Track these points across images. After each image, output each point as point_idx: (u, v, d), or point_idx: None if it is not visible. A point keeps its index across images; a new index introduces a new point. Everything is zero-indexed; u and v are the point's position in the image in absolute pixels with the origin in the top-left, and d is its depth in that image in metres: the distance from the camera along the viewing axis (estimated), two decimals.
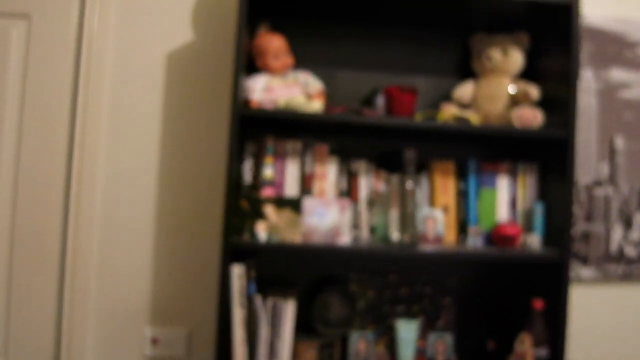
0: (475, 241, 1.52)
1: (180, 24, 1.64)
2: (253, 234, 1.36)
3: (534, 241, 1.48)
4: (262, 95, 1.44)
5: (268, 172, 1.42)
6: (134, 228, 1.61)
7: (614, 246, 1.82)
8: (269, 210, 1.37)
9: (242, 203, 1.36)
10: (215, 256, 1.63)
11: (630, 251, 1.83)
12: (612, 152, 1.84)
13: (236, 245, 1.31)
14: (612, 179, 1.84)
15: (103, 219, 1.60)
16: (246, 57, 1.48)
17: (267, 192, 1.41)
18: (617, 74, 1.86)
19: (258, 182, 1.43)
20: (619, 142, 1.85)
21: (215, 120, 1.63)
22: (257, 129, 1.55)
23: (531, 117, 1.48)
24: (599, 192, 1.83)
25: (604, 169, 1.83)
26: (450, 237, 1.54)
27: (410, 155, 1.51)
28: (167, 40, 1.63)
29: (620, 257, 1.83)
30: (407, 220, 1.44)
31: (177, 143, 1.62)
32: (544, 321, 1.42)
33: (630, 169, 1.85)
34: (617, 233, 1.83)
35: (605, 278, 1.81)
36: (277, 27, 1.55)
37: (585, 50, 1.83)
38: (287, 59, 1.50)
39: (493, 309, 1.69)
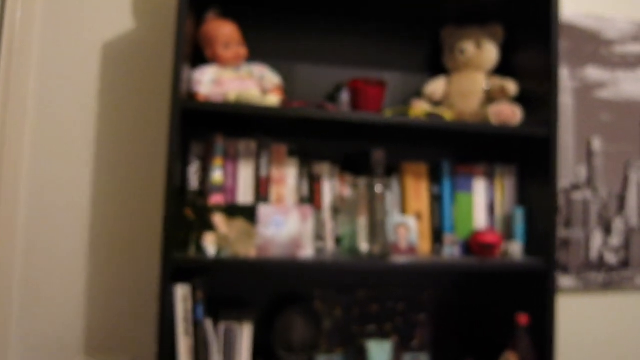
0: (451, 250, 1.37)
1: (118, 10, 1.44)
2: (200, 248, 1.17)
3: (516, 249, 1.35)
4: (210, 89, 1.26)
5: (217, 175, 1.23)
6: (62, 244, 1.38)
7: (594, 253, 1.71)
8: (218, 219, 1.19)
9: (186, 212, 1.17)
10: (157, 275, 1.42)
11: (610, 258, 1.73)
12: (589, 155, 1.74)
13: (180, 261, 1.12)
14: (591, 183, 1.73)
15: (26, 234, 1.38)
16: (192, 45, 1.30)
17: (216, 198, 1.22)
18: (593, 73, 1.77)
19: (206, 187, 1.24)
20: (597, 144, 1.75)
21: (157, 117, 1.43)
22: (205, 128, 1.37)
23: (510, 114, 1.35)
24: (578, 196, 1.72)
25: (582, 172, 1.73)
26: (424, 246, 1.39)
27: (378, 156, 1.35)
28: (103, 28, 1.43)
29: (601, 264, 1.72)
30: (376, 229, 1.28)
31: (113, 144, 1.41)
32: (530, 337, 1.27)
33: (607, 171, 1.75)
34: (596, 239, 1.72)
35: (586, 287, 1.70)
36: (228, 14, 1.38)
37: (560, 47, 1.73)
38: (240, 49, 1.33)
39: (472, 325, 1.54)
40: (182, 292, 1.15)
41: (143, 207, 1.41)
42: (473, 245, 1.35)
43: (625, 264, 1.73)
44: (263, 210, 1.21)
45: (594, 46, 1.77)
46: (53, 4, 1.41)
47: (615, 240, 1.74)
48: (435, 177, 1.42)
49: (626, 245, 1.74)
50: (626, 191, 1.76)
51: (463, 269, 1.25)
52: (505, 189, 1.44)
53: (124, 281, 1.40)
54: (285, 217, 1.22)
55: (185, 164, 1.24)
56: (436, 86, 1.49)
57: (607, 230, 1.73)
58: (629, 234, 1.75)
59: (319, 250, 1.32)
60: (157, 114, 1.43)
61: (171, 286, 1.14)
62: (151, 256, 1.41)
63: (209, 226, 1.18)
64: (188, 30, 1.20)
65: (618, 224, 1.75)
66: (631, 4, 1.84)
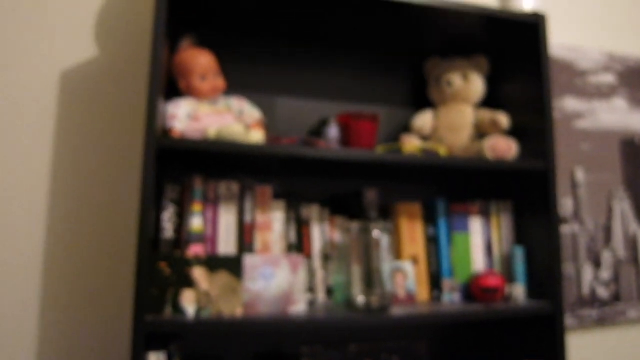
0: (451, 297, 1.27)
1: (79, 35, 1.28)
2: (178, 308, 1.01)
3: (519, 292, 1.26)
4: (186, 124, 1.12)
5: (196, 222, 1.07)
6: (13, 302, 1.18)
7: (586, 289, 1.65)
8: (199, 274, 1.03)
9: (161, 266, 1.01)
10: (126, 339, 1.23)
11: (602, 292, 1.67)
12: (574, 186, 1.70)
13: (153, 325, 0.95)
14: (577, 215, 1.69)
15: None
16: (165, 76, 1.16)
17: (195, 249, 1.07)
18: (571, 103, 1.75)
19: (182, 236, 1.08)
20: (580, 175, 1.72)
21: (125, 156, 1.27)
22: (181, 169, 1.22)
23: (505, 148, 1.28)
24: (566, 230, 1.67)
25: (568, 205, 1.68)
26: (422, 293, 1.27)
27: (371, 196, 1.24)
28: (61, 56, 1.26)
29: (594, 300, 1.66)
30: (372, 277, 1.15)
31: (73, 189, 1.23)
32: None
33: (592, 203, 1.71)
34: (587, 274, 1.67)
35: (581, 324, 1.63)
36: (204, 43, 1.25)
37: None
38: (218, 81, 1.21)
39: None
40: None
41: (113, 263, 1.23)
42: (474, 290, 1.25)
43: (616, 297, 1.68)
44: (250, 262, 1.06)
45: (569, 76, 1.76)
46: (6, 30, 1.24)
47: (605, 273, 1.69)
48: (430, 218, 1.32)
49: (616, 278, 1.70)
50: (611, 222, 1.73)
51: (467, 318, 1.14)
52: (502, 227, 1.36)
53: (93, 353, 1.20)
54: (274, 268, 1.08)
55: (158, 209, 1.08)
56: (424, 120, 1.41)
57: (597, 263, 1.69)
58: (617, 266, 1.70)
59: (310, 303, 1.18)
60: (125, 152, 1.26)
61: (144, 355, 0.96)
62: (122, 320, 1.22)
63: (188, 282, 1.02)
64: (162, 56, 1.06)
65: (606, 257, 1.71)
66: (601, 35, 1.85)
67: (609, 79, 1.82)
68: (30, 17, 1.25)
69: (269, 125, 1.34)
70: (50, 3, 1.27)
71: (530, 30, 1.31)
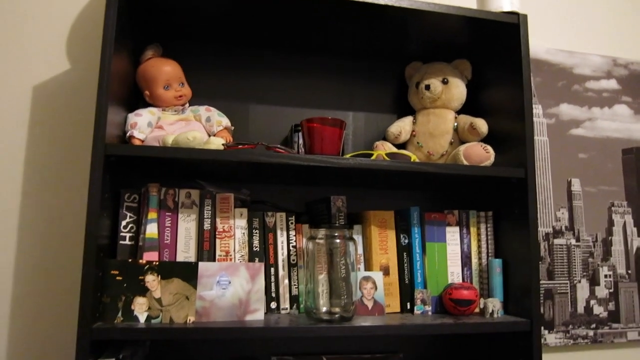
0: (423, 309, 1.22)
1: (50, 50, 1.31)
2: (129, 316, 1.00)
3: (496, 306, 1.20)
4: (148, 133, 1.13)
5: (151, 229, 1.07)
6: None
7: (580, 306, 1.57)
8: (151, 280, 1.02)
9: (113, 273, 1.01)
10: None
11: (599, 311, 1.58)
12: (570, 197, 1.62)
13: (100, 332, 0.94)
14: (573, 227, 1.61)
15: None
16: (129, 87, 1.17)
17: (149, 256, 1.06)
18: (568, 109, 1.68)
19: (139, 244, 1.08)
20: (577, 185, 1.64)
21: (87, 165, 1.28)
22: (141, 177, 1.22)
23: (482, 154, 1.23)
24: (560, 242, 1.59)
25: (563, 216, 1.61)
26: (393, 305, 1.23)
27: (339, 204, 1.21)
28: (33, 70, 1.29)
29: (589, 318, 1.57)
30: (339, 286, 1.12)
31: (38, 196, 1.25)
32: None
33: (590, 216, 1.63)
34: (583, 290, 1.58)
35: (575, 343, 1.54)
36: (171, 53, 1.26)
37: (533, 83, 1.64)
38: (183, 90, 1.21)
39: None
40: None
41: (68, 269, 1.23)
42: (447, 302, 1.20)
43: (615, 317, 1.59)
44: (204, 268, 1.05)
45: (567, 82, 1.69)
46: None
47: (603, 291, 1.60)
48: (403, 226, 1.27)
49: (615, 296, 1.60)
50: (611, 236, 1.64)
51: (436, 331, 1.09)
52: (481, 237, 1.30)
53: (35, 354, 1.20)
54: (231, 275, 1.06)
55: (114, 216, 1.08)
56: (400, 126, 1.38)
57: (594, 279, 1.60)
58: (617, 283, 1.61)
59: (273, 312, 1.15)
60: (87, 162, 1.28)
61: None
62: (73, 328, 1.22)
63: (141, 289, 1.01)
64: (121, 68, 1.07)
65: (605, 273, 1.61)
66: (601, 40, 1.78)
67: (610, 84, 1.74)
68: (3, 34, 1.29)
69: (242, 133, 1.34)
70: (23, 21, 1.30)
71: (510, 30, 1.26)
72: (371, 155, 1.20)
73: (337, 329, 1.05)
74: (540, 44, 1.69)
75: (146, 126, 1.12)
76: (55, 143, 1.27)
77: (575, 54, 1.71)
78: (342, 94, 1.45)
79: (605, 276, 1.61)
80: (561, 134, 1.65)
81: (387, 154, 1.21)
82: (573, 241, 1.60)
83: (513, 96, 1.25)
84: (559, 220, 1.60)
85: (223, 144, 1.06)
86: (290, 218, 1.20)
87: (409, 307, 1.24)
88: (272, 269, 1.17)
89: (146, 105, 1.20)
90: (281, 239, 1.19)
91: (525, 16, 1.24)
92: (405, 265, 1.25)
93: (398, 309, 1.23)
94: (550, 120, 1.65)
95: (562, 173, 1.62)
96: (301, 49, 1.41)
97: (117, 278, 1.01)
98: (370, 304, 1.19)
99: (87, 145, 1.28)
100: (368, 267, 1.24)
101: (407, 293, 1.24)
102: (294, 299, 1.18)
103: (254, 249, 1.16)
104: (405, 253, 1.26)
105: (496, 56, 1.33)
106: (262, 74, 1.40)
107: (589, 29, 1.77)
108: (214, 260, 1.11)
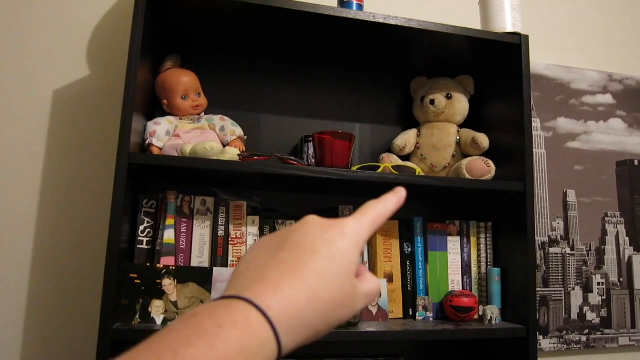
0: (425, 315, 1.27)
1: (70, 57, 1.35)
2: (146, 318, 1.05)
3: (494, 313, 1.25)
4: (166, 142, 1.17)
5: (168, 235, 1.12)
6: None
7: (574, 312, 1.63)
8: (168, 284, 1.07)
9: (131, 276, 1.06)
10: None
11: (592, 317, 1.64)
12: (565, 208, 1.68)
13: (120, 333, 0.99)
14: (568, 237, 1.67)
15: None
16: (148, 96, 1.22)
17: (166, 261, 1.11)
18: (565, 123, 1.74)
19: (157, 249, 1.13)
20: (572, 196, 1.70)
21: (107, 171, 1.33)
22: (159, 184, 1.27)
23: (484, 168, 1.29)
24: (555, 250, 1.65)
25: (558, 226, 1.67)
26: (396, 310, 1.28)
27: (346, 213, 1.27)
28: (54, 75, 1.34)
29: (583, 324, 1.63)
30: None
31: (59, 201, 1.30)
32: None
33: (584, 226, 1.69)
34: (577, 297, 1.64)
35: (568, 349, 1.60)
36: (189, 63, 1.31)
37: (531, 98, 1.70)
38: (200, 100, 1.26)
39: None
40: None
41: (87, 270, 1.28)
42: (447, 309, 1.26)
43: (607, 323, 1.65)
44: (219, 273, 1.10)
45: (565, 97, 1.75)
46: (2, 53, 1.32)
47: (596, 298, 1.66)
48: (407, 236, 1.33)
49: (607, 303, 1.66)
50: (604, 246, 1.70)
51: (437, 336, 1.15)
52: (481, 247, 1.36)
53: (59, 354, 1.25)
54: None
55: (133, 222, 1.13)
56: (405, 139, 1.43)
57: (587, 287, 1.66)
58: (609, 291, 1.67)
59: None
60: (108, 168, 1.32)
61: None
62: (92, 329, 1.27)
63: (158, 292, 1.06)
64: (142, 77, 1.12)
65: (598, 280, 1.68)
66: (598, 56, 1.84)
67: (606, 99, 1.81)
68: (25, 40, 1.33)
69: (254, 142, 1.38)
70: (44, 27, 1.34)
71: (512, 50, 1.32)
72: (378, 167, 1.25)
73: (345, 334, 1.10)
74: (540, 60, 1.75)
75: (164, 134, 1.16)
76: (75, 147, 1.32)
77: (573, 70, 1.77)
78: (350, 106, 1.51)
79: (598, 284, 1.67)
80: (558, 146, 1.71)
81: (393, 167, 1.26)
82: (568, 250, 1.66)
83: (514, 112, 1.31)
84: (555, 230, 1.66)
85: (238, 154, 1.11)
86: None
87: (411, 313, 1.29)
88: None
89: (163, 113, 1.25)
90: None
91: (526, 37, 1.29)
92: (408, 273, 1.31)
93: (401, 315, 1.28)
94: (548, 133, 1.71)
95: (558, 184, 1.68)
96: (312, 62, 1.46)
97: (136, 281, 1.06)
98: (374, 310, 1.24)
99: (107, 149, 1.32)
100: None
101: (409, 300, 1.30)
102: None
103: None
104: (408, 261, 1.31)
105: (498, 73, 1.39)
106: (274, 86, 1.45)
107: (586, 46, 1.84)
108: (226, 265, 1.16)
